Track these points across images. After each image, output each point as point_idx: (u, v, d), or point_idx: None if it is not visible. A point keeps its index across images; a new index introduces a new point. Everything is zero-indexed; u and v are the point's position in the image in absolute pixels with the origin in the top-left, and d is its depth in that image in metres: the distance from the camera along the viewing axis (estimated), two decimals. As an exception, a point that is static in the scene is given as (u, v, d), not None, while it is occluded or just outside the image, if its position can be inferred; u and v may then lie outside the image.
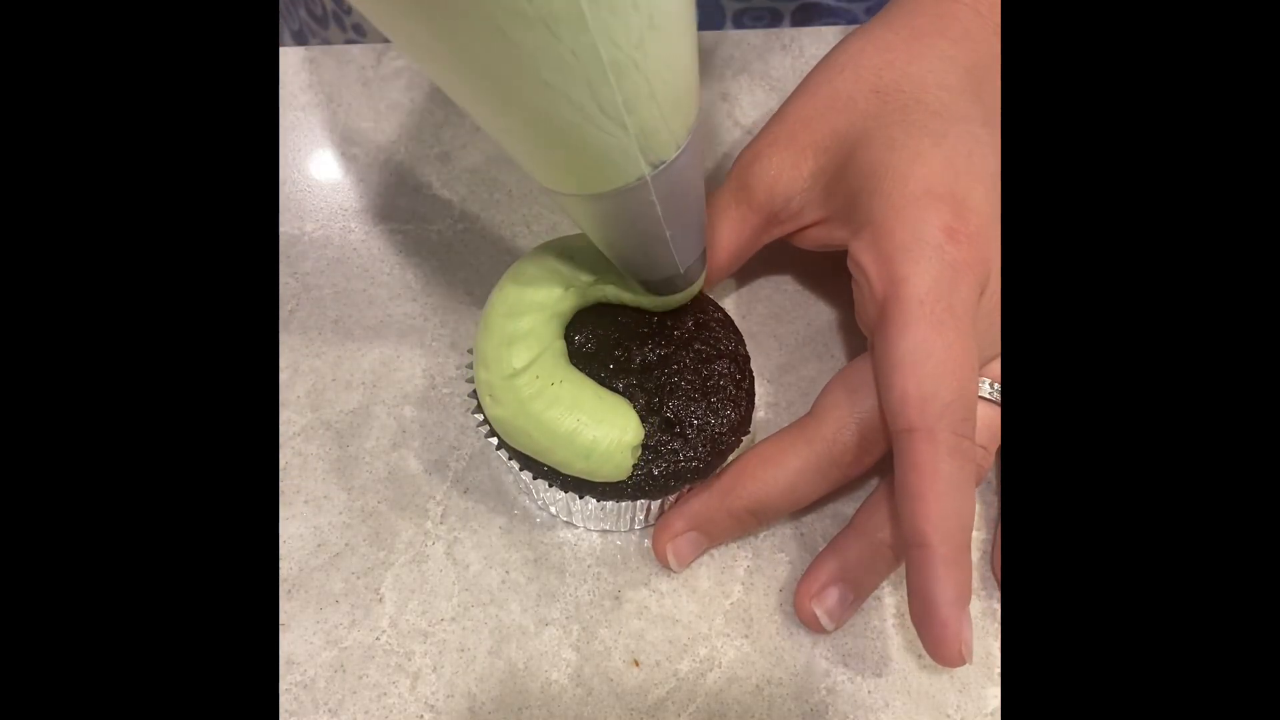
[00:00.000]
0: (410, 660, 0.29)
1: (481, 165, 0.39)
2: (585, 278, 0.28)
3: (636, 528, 0.31)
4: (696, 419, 0.28)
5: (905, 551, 0.25)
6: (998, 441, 0.28)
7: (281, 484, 0.32)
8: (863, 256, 0.27)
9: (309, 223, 0.38)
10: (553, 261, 0.28)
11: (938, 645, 0.24)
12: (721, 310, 0.30)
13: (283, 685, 0.29)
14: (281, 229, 0.37)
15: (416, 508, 0.32)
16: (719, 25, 0.46)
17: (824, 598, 0.29)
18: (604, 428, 0.26)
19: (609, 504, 0.28)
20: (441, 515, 0.32)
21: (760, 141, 0.31)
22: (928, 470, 0.25)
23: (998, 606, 0.31)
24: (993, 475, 0.33)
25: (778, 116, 0.31)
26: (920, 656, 0.30)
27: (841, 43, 0.32)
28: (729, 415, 0.28)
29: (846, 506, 0.32)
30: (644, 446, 0.27)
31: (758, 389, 0.34)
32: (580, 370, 0.28)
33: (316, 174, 0.39)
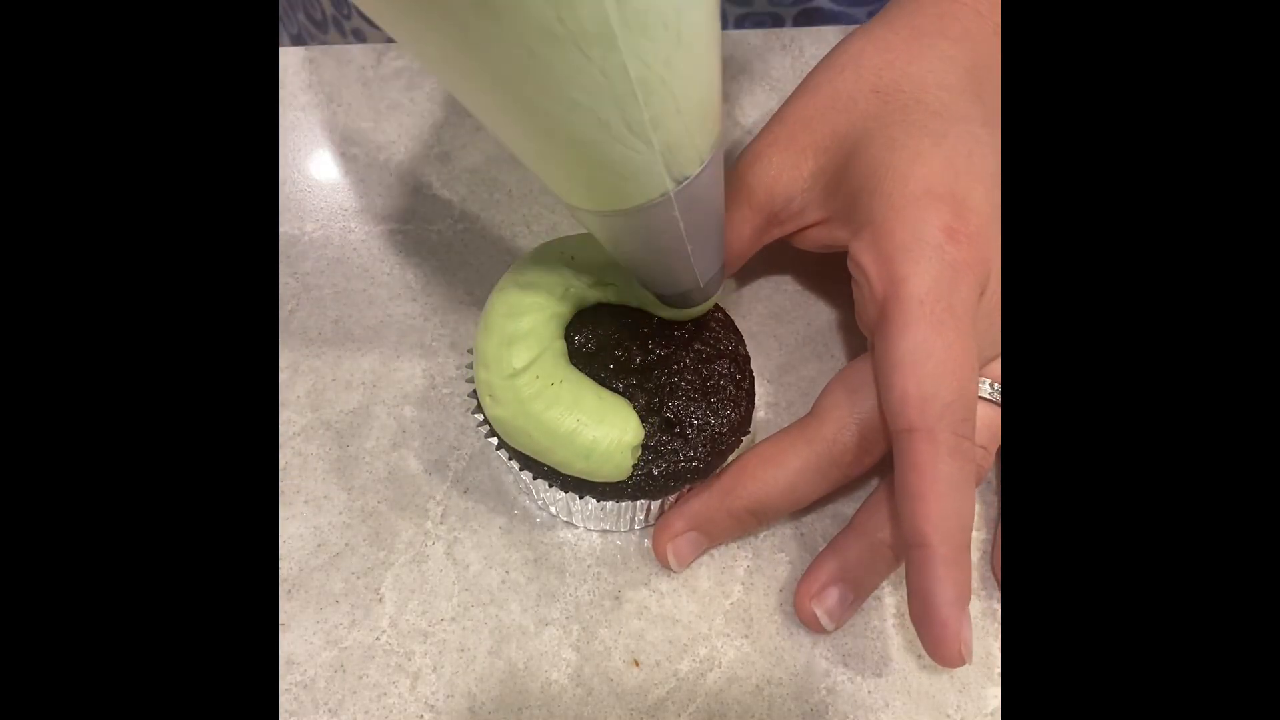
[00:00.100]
0: (410, 660, 0.29)
1: (481, 165, 0.39)
2: (586, 278, 0.28)
3: (636, 528, 0.31)
4: (696, 419, 0.28)
5: (905, 551, 0.25)
6: (998, 441, 0.28)
7: (281, 484, 0.32)
8: (863, 256, 0.27)
9: (309, 223, 0.38)
10: (553, 261, 0.28)
11: (938, 645, 0.24)
12: (721, 310, 0.30)
13: (283, 685, 0.29)
14: (281, 229, 0.37)
15: (416, 508, 0.32)
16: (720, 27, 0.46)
17: (824, 598, 0.29)
18: (604, 428, 0.26)
19: (609, 504, 0.28)
20: (441, 515, 0.32)
21: (760, 142, 0.31)
22: (928, 470, 0.25)
23: (998, 606, 0.31)
24: (993, 475, 0.33)
25: (778, 117, 0.31)
26: (920, 656, 0.30)
27: (842, 43, 0.32)
28: (729, 415, 0.28)
29: (846, 506, 0.32)
30: (644, 446, 0.27)
31: (758, 389, 0.34)
32: (580, 370, 0.28)
33: (316, 174, 0.39)
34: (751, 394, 0.29)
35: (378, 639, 0.30)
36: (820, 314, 0.36)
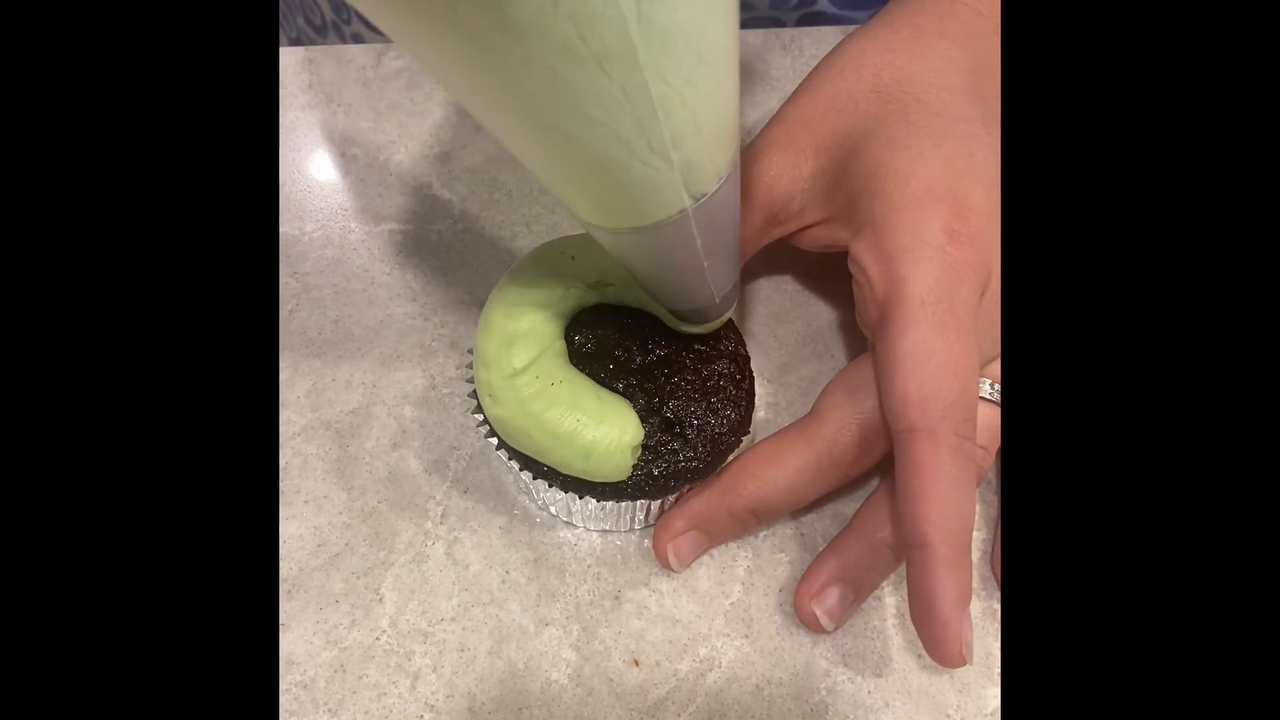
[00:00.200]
0: (410, 660, 0.29)
1: (481, 165, 0.39)
2: (586, 278, 0.28)
3: (636, 528, 0.31)
4: (696, 419, 0.28)
5: (906, 552, 0.25)
6: (998, 442, 0.28)
7: (281, 484, 0.32)
8: (863, 257, 0.27)
9: (309, 223, 0.38)
10: (553, 261, 0.28)
11: (939, 646, 0.24)
12: (722, 310, 0.30)
13: (283, 685, 0.29)
14: (281, 229, 0.37)
15: (416, 508, 0.32)
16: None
17: (824, 598, 0.29)
18: (604, 428, 0.26)
19: (609, 504, 0.28)
20: (441, 515, 0.32)
21: (760, 142, 0.31)
22: (929, 471, 0.24)
23: (998, 606, 0.31)
24: (993, 475, 0.33)
25: (778, 117, 0.31)
26: (920, 656, 0.30)
27: (842, 43, 0.32)
28: (729, 415, 0.28)
29: (846, 506, 0.32)
30: (644, 446, 0.27)
31: (758, 389, 0.34)
32: (580, 370, 0.28)
33: (316, 174, 0.39)
34: (751, 394, 0.29)
35: (378, 639, 0.30)
36: (820, 314, 0.36)
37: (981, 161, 0.27)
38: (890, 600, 0.31)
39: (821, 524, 0.32)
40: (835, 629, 0.30)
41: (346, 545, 0.31)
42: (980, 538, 0.31)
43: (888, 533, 0.28)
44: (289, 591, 0.30)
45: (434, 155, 0.40)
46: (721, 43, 0.18)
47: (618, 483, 0.27)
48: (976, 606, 0.30)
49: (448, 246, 0.37)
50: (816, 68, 0.32)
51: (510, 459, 0.28)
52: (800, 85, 0.32)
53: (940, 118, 0.28)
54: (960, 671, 0.29)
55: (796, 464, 0.28)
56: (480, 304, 0.35)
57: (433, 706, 0.29)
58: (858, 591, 0.29)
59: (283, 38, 0.57)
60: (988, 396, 0.28)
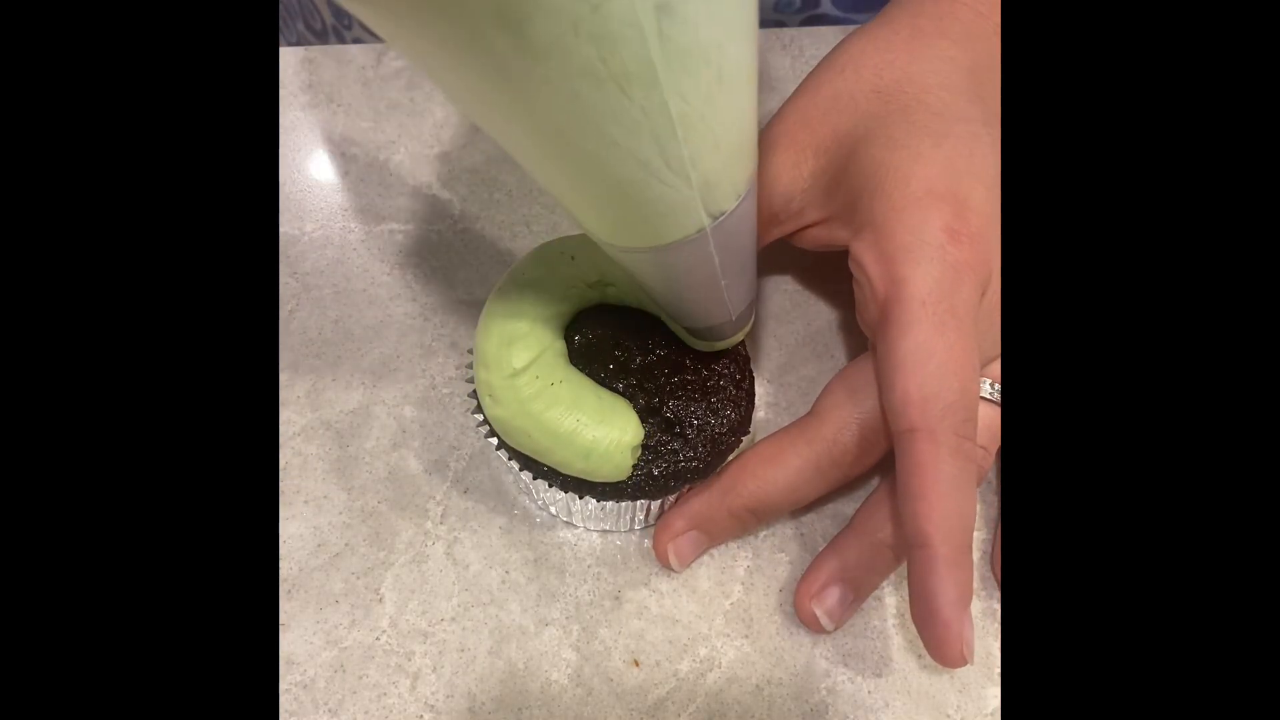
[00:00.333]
0: (410, 660, 0.29)
1: (481, 165, 0.39)
2: (585, 278, 0.28)
3: (636, 528, 0.31)
4: (696, 419, 0.28)
5: (907, 552, 0.25)
6: (998, 442, 0.28)
7: (281, 484, 0.32)
8: (864, 257, 0.27)
9: (309, 223, 0.38)
10: (553, 261, 0.28)
11: (940, 646, 0.24)
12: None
13: (283, 685, 0.29)
14: (281, 229, 0.37)
15: (416, 508, 0.32)
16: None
17: (824, 598, 0.29)
18: (604, 428, 0.26)
19: (609, 504, 0.28)
20: (441, 515, 0.32)
21: (760, 142, 0.31)
22: (929, 471, 0.24)
23: (998, 606, 0.31)
24: (993, 475, 0.33)
25: (778, 117, 0.31)
26: (920, 656, 0.30)
27: (842, 43, 0.31)
28: (729, 415, 0.28)
29: (846, 506, 0.32)
30: (644, 446, 0.27)
31: (758, 389, 0.34)
32: (580, 370, 0.28)
33: (316, 174, 0.39)
34: (751, 394, 0.29)
35: (378, 639, 0.29)
36: (820, 314, 0.36)
37: (982, 161, 0.27)
38: (890, 600, 0.31)
39: (821, 524, 0.32)
40: (835, 629, 0.30)
41: (346, 545, 0.31)
42: (980, 538, 0.31)
43: (888, 533, 0.28)
44: (289, 591, 0.30)
45: (434, 155, 0.40)
46: (741, 60, 0.18)
47: (618, 483, 0.27)
48: (976, 606, 0.30)
49: (448, 246, 0.37)
50: (816, 68, 0.32)
51: (510, 459, 0.28)
52: (800, 85, 0.32)
53: (940, 118, 0.28)
54: (960, 671, 0.29)
55: (797, 464, 0.28)
56: (480, 304, 0.35)
57: (433, 706, 0.29)
58: (858, 591, 0.29)
59: (282, 41, 0.57)
60: (988, 396, 0.28)
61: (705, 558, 0.31)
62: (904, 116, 0.28)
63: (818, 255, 0.32)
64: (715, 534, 0.30)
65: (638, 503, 0.29)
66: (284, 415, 0.33)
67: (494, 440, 0.29)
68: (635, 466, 0.27)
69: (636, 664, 0.29)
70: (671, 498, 0.29)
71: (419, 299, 0.36)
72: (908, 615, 0.30)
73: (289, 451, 0.33)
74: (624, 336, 0.29)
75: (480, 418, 0.29)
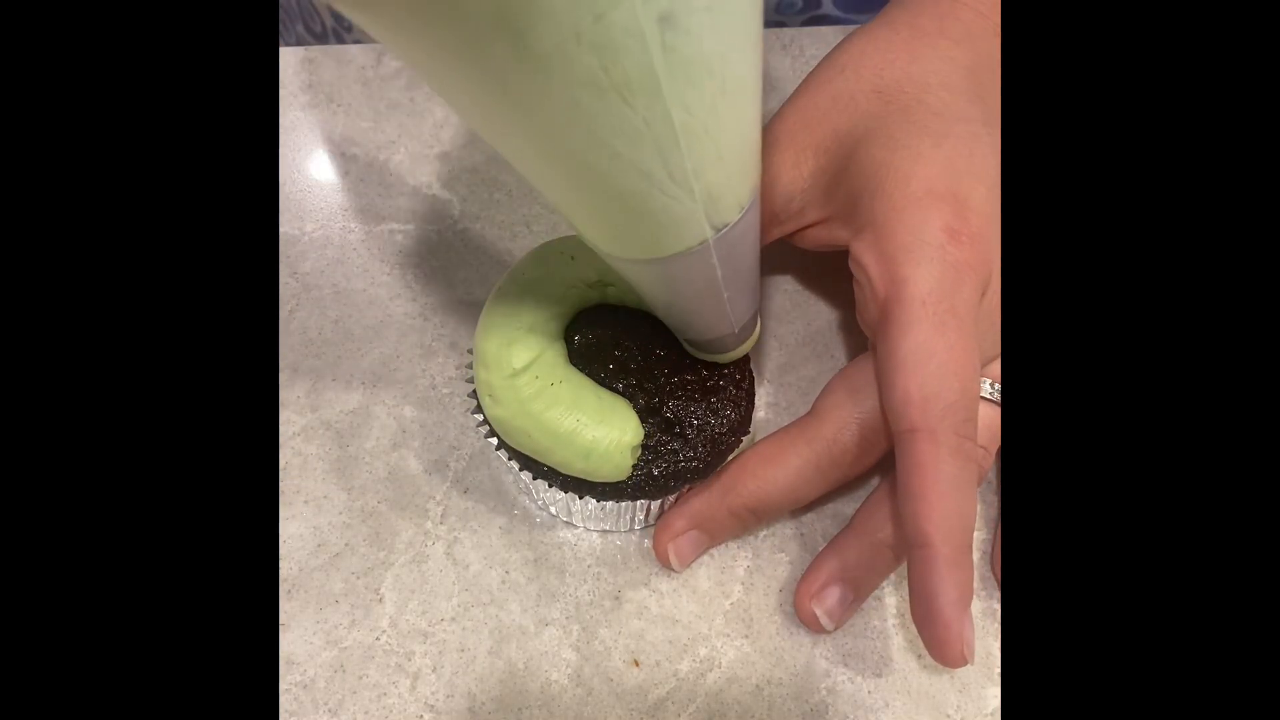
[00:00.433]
0: (410, 660, 0.29)
1: (481, 165, 0.39)
2: (585, 278, 0.28)
3: (636, 528, 0.31)
4: (696, 419, 0.28)
5: (907, 552, 0.25)
6: (998, 442, 0.28)
7: (281, 484, 0.32)
8: (864, 257, 0.27)
9: (309, 223, 0.38)
10: (553, 261, 0.28)
11: (940, 646, 0.24)
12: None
13: (283, 685, 0.29)
14: (281, 229, 0.37)
15: (416, 508, 0.32)
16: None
17: (824, 598, 0.29)
18: (604, 428, 0.26)
19: (609, 504, 0.28)
20: (441, 515, 0.32)
21: (761, 141, 0.31)
22: (930, 471, 0.24)
23: (998, 606, 0.31)
24: (993, 475, 0.33)
25: (778, 116, 0.31)
26: (920, 656, 0.30)
27: (843, 42, 0.31)
28: (729, 415, 0.28)
29: (846, 506, 0.32)
30: (644, 446, 0.27)
31: (758, 389, 0.34)
32: (580, 370, 0.28)
33: (316, 174, 0.39)
34: (751, 394, 0.29)
35: (378, 639, 0.29)
36: (820, 314, 0.36)
37: (982, 161, 0.27)
38: (890, 600, 0.31)
39: (821, 524, 0.32)
40: (835, 629, 0.30)
41: (346, 545, 0.31)
42: (980, 538, 0.31)
43: (888, 532, 0.28)
44: (289, 591, 0.30)
45: (434, 155, 0.40)
46: (745, 70, 0.18)
47: (618, 483, 0.27)
48: (976, 606, 0.30)
49: (448, 246, 0.37)
50: (817, 68, 0.32)
51: (510, 459, 0.28)
52: (801, 85, 0.32)
53: (941, 118, 0.28)
54: (960, 671, 0.29)
55: (796, 463, 0.28)
56: (480, 304, 0.35)
57: (433, 706, 0.29)
58: (858, 591, 0.29)
59: (282, 44, 0.57)
60: (988, 396, 0.28)
61: (705, 558, 0.31)
62: (904, 116, 0.28)
63: (818, 255, 0.32)
64: (715, 534, 0.30)
65: (638, 503, 0.29)
66: (284, 415, 0.33)
67: (494, 440, 0.29)
68: (635, 466, 0.27)
69: (636, 664, 0.29)
70: (671, 498, 0.29)
71: (419, 299, 0.36)
72: (908, 615, 0.30)
73: (289, 451, 0.33)
74: (624, 336, 0.29)
75: (480, 418, 0.29)
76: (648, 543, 0.31)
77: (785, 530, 0.32)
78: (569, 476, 0.28)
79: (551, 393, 0.26)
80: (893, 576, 0.31)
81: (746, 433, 0.29)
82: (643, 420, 0.27)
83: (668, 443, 0.28)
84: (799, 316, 0.36)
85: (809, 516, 0.32)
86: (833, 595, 0.29)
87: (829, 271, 0.36)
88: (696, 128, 0.17)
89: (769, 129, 0.31)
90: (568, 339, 0.28)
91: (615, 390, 0.28)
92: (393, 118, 0.41)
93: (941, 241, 0.26)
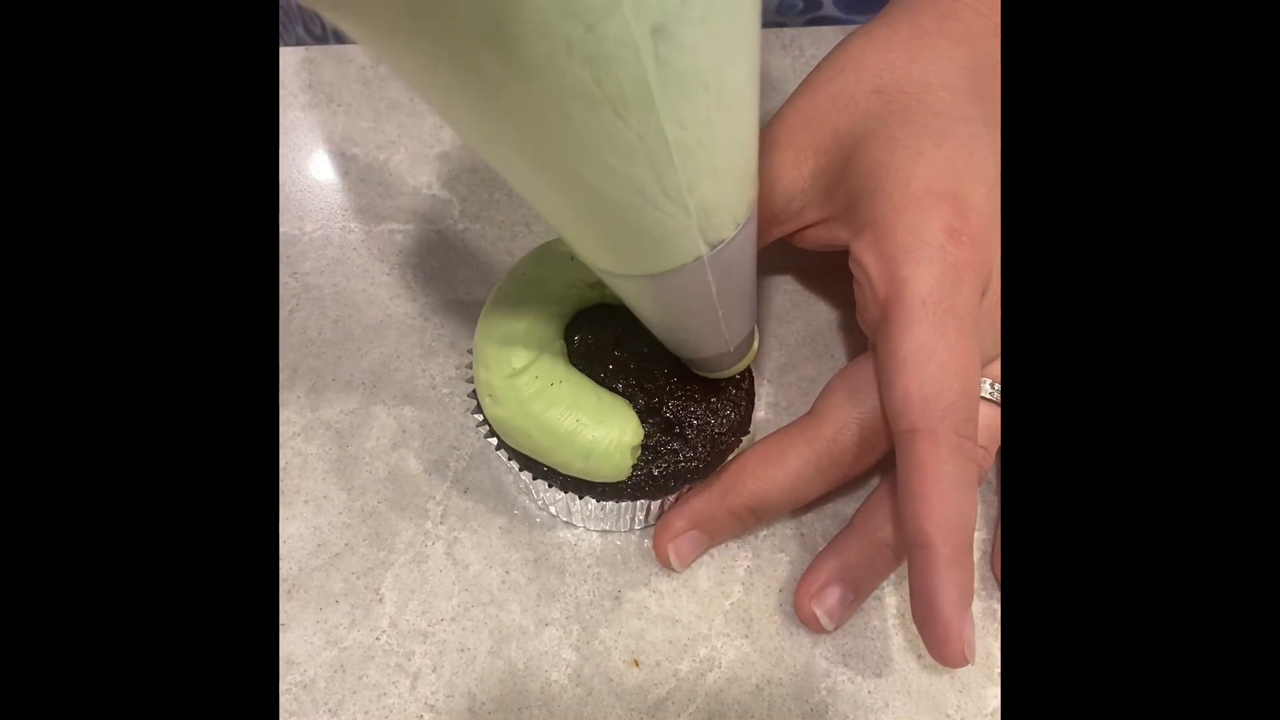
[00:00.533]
0: (410, 660, 0.29)
1: (481, 165, 0.39)
2: (585, 278, 0.28)
3: (636, 528, 0.31)
4: (696, 419, 0.28)
5: (908, 552, 0.25)
6: (998, 442, 0.28)
7: (281, 484, 0.32)
8: (864, 257, 0.27)
9: (309, 223, 0.38)
10: (553, 262, 0.28)
11: (941, 646, 0.24)
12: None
13: (283, 685, 0.29)
14: (281, 229, 0.37)
15: (416, 508, 0.32)
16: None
17: (824, 598, 0.29)
18: (604, 428, 0.26)
19: (609, 504, 0.28)
20: (441, 515, 0.32)
21: (760, 141, 0.31)
22: (930, 471, 0.24)
23: (998, 606, 0.31)
24: (993, 475, 0.33)
25: (778, 116, 0.31)
26: (920, 656, 0.30)
27: (843, 43, 0.31)
28: (729, 415, 0.28)
29: (846, 506, 0.32)
30: (644, 446, 0.27)
31: (758, 389, 0.34)
32: (580, 370, 0.28)
33: (316, 174, 0.39)
34: (751, 394, 0.29)
35: (378, 639, 0.29)
36: (820, 314, 0.36)
37: (982, 161, 0.27)
38: (890, 600, 0.31)
39: (821, 524, 0.32)
40: (835, 629, 0.30)
41: (346, 545, 0.31)
42: (980, 538, 0.31)
43: (888, 532, 0.28)
44: (289, 591, 0.30)
45: (434, 155, 0.40)
46: (741, 84, 0.17)
47: (618, 483, 0.27)
48: (976, 606, 0.30)
49: (448, 246, 0.37)
50: (817, 68, 0.32)
51: (510, 459, 0.28)
52: (801, 85, 0.32)
53: (941, 118, 0.28)
54: (960, 671, 0.29)
55: (796, 463, 0.28)
56: (480, 304, 0.35)
57: (433, 706, 0.29)
58: (858, 591, 0.29)
59: (281, 45, 0.57)
60: (988, 396, 0.28)
61: (705, 558, 0.31)
62: (904, 116, 0.28)
63: (818, 255, 0.32)
64: (715, 533, 0.30)
65: (638, 503, 0.29)
66: (284, 415, 0.33)
67: (494, 440, 0.29)
68: (635, 466, 0.27)
69: (636, 664, 0.29)
70: (671, 498, 0.29)
71: (419, 299, 0.36)
72: (908, 615, 0.30)
73: (289, 451, 0.33)
74: (624, 336, 0.29)
75: (480, 418, 0.29)
76: (648, 543, 0.31)
77: (785, 530, 0.32)
78: (569, 476, 0.28)
79: (551, 393, 0.26)
80: (893, 576, 0.31)
81: (746, 433, 0.29)
82: (643, 420, 0.27)
83: (667, 443, 0.28)
84: (799, 316, 0.36)
85: (809, 516, 0.32)
86: (833, 595, 0.29)
87: (829, 271, 0.36)
88: (690, 142, 0.16)
89: (769, 129, 0.31)
90: (568, 339, 0.28)
91: (615, 390, 0.28)
92: (393, 118, 0.41)
93: (941, 241, 0.26)
